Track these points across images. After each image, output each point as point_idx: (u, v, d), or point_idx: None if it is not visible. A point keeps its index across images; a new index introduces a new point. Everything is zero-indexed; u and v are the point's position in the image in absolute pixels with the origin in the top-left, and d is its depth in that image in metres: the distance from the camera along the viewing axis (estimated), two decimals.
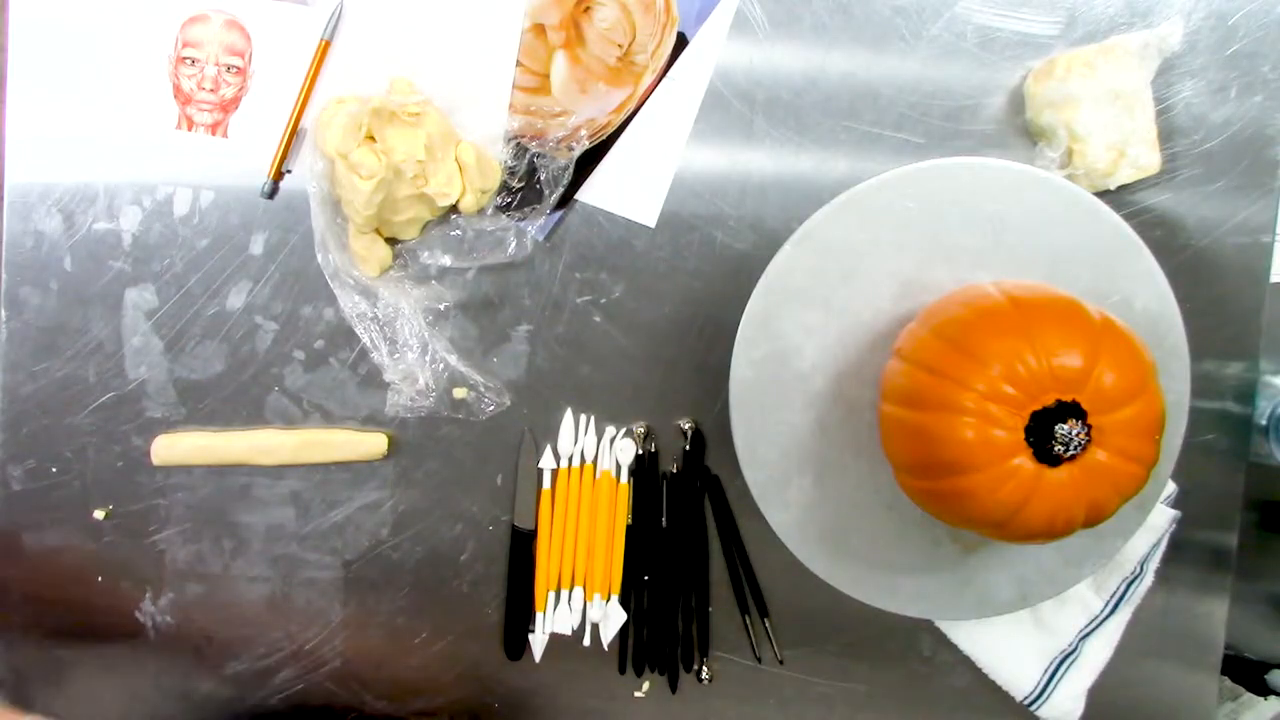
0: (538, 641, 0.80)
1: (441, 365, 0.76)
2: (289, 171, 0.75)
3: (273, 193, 0.75)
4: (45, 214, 0.75)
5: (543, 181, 0.75)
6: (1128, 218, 0.68)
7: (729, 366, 0.69)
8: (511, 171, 0.75)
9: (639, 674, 0.80)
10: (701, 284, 0.77)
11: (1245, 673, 0.90)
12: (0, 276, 0.76)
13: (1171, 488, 0.78)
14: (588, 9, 0.74)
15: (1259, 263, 0.77)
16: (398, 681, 0.80)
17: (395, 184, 0.71)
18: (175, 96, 0.75)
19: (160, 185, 0.76)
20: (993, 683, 0.79)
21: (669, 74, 0.75)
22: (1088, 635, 0.79)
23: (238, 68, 0.74)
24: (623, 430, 0.78)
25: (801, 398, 0.70)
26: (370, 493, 0.79)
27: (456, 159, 0.73)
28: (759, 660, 0.80)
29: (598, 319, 0.77)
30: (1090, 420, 0.55)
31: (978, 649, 0.79)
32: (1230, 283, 0.77)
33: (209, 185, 0.76)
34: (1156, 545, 0.78)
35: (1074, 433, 0.55)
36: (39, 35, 0.74)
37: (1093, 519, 0.58)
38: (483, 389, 0.77)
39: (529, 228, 0.76)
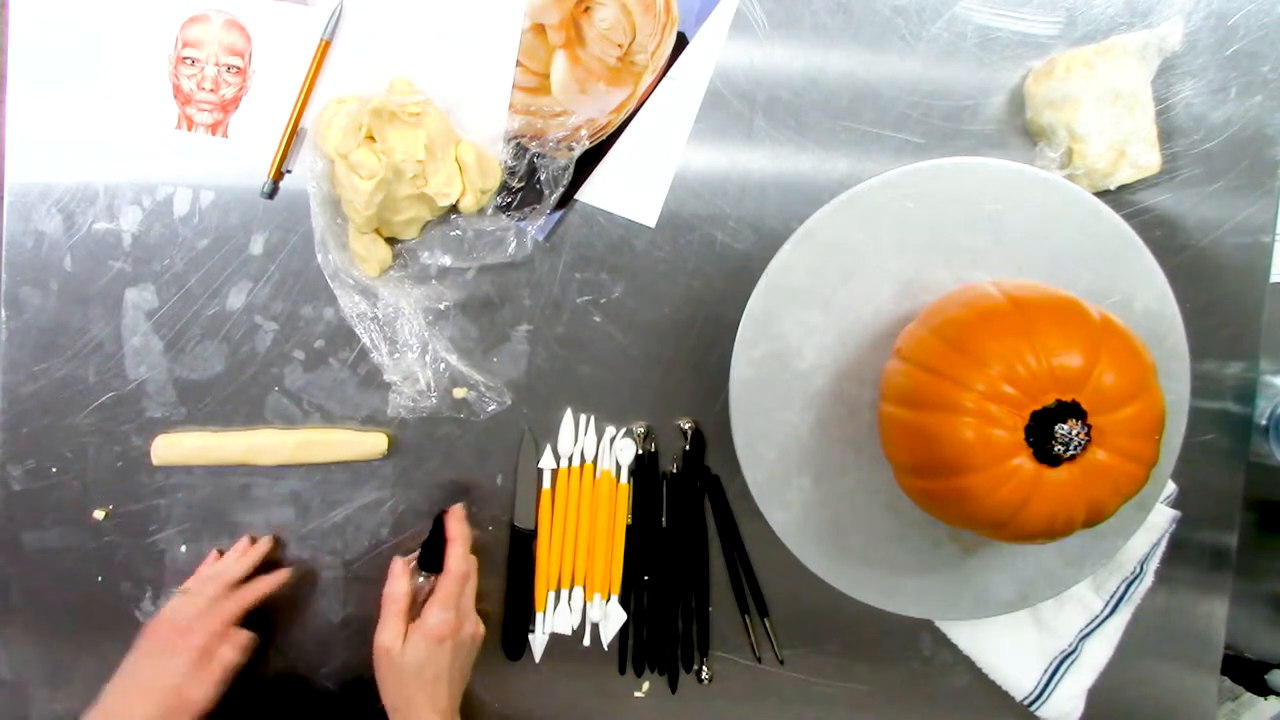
0: (538, 641, 0.80)
1: (442, 365, 0.76)
2: (289, 171, 0.75)
3: (273, 193, 0.75)
4: (45, 214, 0.75)
5: (543, 181, 0.75)
6: (1128, 218, 0.68)
7: (729, 366, 0.69)
8: (511, 171, 0.75)
9: (639, 674, 0.80)
10: (701, 284, 0.77)
11: (1245, 673, 0.90)
12: (0, 276, 0.76)
13: (1171, 488, 0.78)
14: (588, 9, 0.74)
15: (1259, 263, 0.77)
16: None
17: (395, 184, 0.71)
18: (175, 96, 0.75)
19: (160, 185, 0.76)
20: (993, 683, 0.79)
21: (669, 74, 0.75)
22: (1088, 635, 0.79)
23: (238, 68, 0.74)
24: (623, 430, 0.78)
25: (801, 398, 0.70)
26: (370, 493, 0.79)
27: (456, 159, 0.73)
28: (759, 660, 0.80)
29: (598, 319, 0.77)
30: (1090, 420, 0.55)
31: (978, 649, 0.79)
32: (1230, 283, 0.77)
33: (209, 185, 0.76)
34: (1156, 545, 0.78)
35: (1074, 433, 0.55)
36: (39, 35, 0.74)
37: (1093, 519, 0.58)
38: (483, 389, 0.77)
39: (529, 228, 0.76)
